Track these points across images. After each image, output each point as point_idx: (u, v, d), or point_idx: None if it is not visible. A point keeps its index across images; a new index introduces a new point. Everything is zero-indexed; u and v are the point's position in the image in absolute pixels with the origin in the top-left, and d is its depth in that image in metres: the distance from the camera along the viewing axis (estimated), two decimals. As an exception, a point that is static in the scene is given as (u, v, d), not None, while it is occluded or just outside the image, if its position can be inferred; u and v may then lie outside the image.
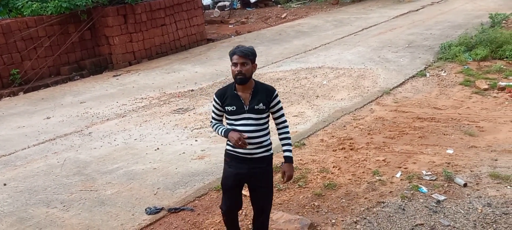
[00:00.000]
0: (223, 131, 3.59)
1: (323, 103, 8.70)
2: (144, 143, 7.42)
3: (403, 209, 4.75)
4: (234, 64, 3.43)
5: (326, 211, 4.85)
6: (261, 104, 3.49)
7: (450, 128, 7.06)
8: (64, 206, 5.45)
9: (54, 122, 9.05)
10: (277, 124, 3.69)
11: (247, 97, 3.51)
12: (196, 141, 7.33)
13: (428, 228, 4.37)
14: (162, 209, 5.08)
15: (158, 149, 7.11)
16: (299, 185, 5.48)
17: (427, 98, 8.58)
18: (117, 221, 4.95)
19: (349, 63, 11.59)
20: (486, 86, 8.82)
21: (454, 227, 4.35)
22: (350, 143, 6.71)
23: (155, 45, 15.06)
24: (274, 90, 3.59)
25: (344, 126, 7.47)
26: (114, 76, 12.85)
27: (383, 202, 4.94)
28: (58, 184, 6.09)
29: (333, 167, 5.97)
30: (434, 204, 4.81)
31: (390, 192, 5.18)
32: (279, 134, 3.71)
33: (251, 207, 4.01)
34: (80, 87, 11.93)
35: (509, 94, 8.37)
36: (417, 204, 4.84)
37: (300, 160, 6.25)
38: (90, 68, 13.62)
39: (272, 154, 3.76)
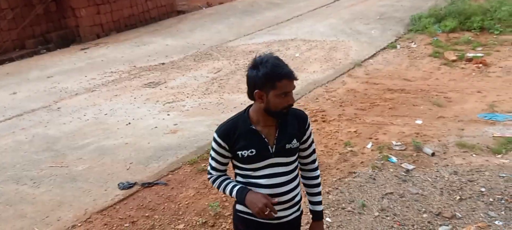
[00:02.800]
0: (236, 190, 2.26)
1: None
2: (115, 118, 7.29)
3: (374, 179, 4.86)
4: (284, 94, 2.10)
5: (299, 182, 4.91)
6: (294, 140, 2.26)
7: (420, 99, 7.21)
8: (35, 183, 5.34)
9: (21, 97, 8.79)
10: (304, 164, 2.46)
11: (271, 133, 2.23)
12: (168, 115, 7.26)
13: (398, 196, 4.49)
14: (135, 183, 5.04)
15: (129, 123, 7.01)
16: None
17: (398, 70, 8.71)
18: (89, 197, 4.89)
19: (321, 35, 11.62)
20: (454, 58, 9.02)
21: (422, 194, 4.48)
22: (322, 115, 6.78)
23: (123, 17, 14.70)
24: (307, 116, 2.37)
25: (317, 98, 7.53)
26: (82, 49, 12.52)
27: (355, 172, 5.04)
28: (27, 161, 5.95)
29: (306, 139, 6.02)
30: (403, 173, 4.94)
31: (361, 162, 5.28)
32: (307, 178, 2.49)
33: None
34: (47, 61, 11.58)
35: (476, 65, 8.59)
36: (387, 174, 4.96)
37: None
38: (56, 42, 13.20)
39: (302, 211, 2.56)
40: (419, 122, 6.37)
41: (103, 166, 5.63)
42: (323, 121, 6.58)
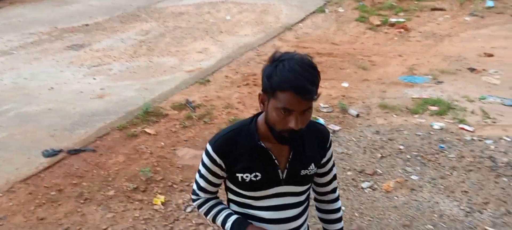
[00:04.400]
0: (232, 222, 1.75)
1: (227, 39, 8.68)
2: (36, 82, 6.86)
3: (303, 140, 5.03)
4: (285, 111, 1.49)
5: (231, 145, 4.96)
6: (312, 165, 1.73)
7: (346, 62, 7.49)
8: None
9: None
10: (322, 194, 1.92)
11: (284, 154, 1.69)
12: (94, 79, 6.96)
13: (325, 157, 4.70)
14: (61, 151, 4.83)
15: (52, 88, 6.63)
16: (204, 121, 5.52)
17: (326, 34, 8.95)
18: (11, 166, 4.62)
19: (252, -2, 11.58)
20: (379, 23, 9.43)
21: (347, 154, 4.73)
22: (254, 79, 6.84)
23: (42, -26, 13.64)
24: (329, 132, 1.85)
25: (248, 62, 7.57)
26: (-4, 8, 11.52)
27: (285, 134, 5.17)
28: None
29: (238, 102, 6.08)
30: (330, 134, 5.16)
31: (291, 124, 5.43)
32: (325, 211, 1.95)
33: None
34: (-45, 20, 10.55)
35: (398, 30, 9.04)
36: (315, 135, 5.15)
37: (205, 96, 6.26)
38: (-35, -1, 12.03)
39: None
40: (345, 84, 6.63)
41: (25, 133, 5.32)
42: (255, 85, 6.64)
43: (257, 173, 1.65)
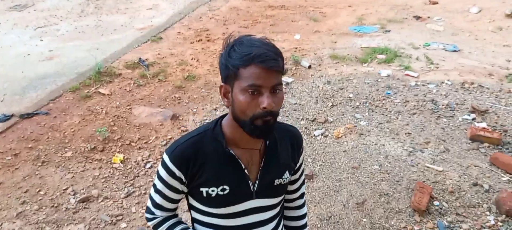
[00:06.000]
0: None
1: (178, -5, 8.53)
2: (-22, 46, 6.57)
3: (257, 93, 5.15)
4: (253, 89, 1.28)
5: (187, 101, 5.04)
6: (286, 173, 1.53)
7: (298, 14, 7.58)
8: None
9: None
10: (290, 201, 1.72)
11: (255, 161, 1.47)
12: (41, 40, 6.73)
13: (279, 108, 4.85)
14: (12, 115, 4.73)
15: (-3, 52, 6.39)
16: (159, 79, 5.52)
17: (277, -13, 8.96)
18: (-41, 134, 4.51)
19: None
20: (329, -26, 9.50)
21: (300, 104, 4.91)
22: (207, 34, 6.84)
23: None
24: (301, 135, 1.63)
25: (200, 17, 7.52)
26: None
27: (240, 88, 5.28)
28: None
29: (192, 59, 6.09)
30: (283, 86, 5.31)
31: (246, 78, 5.53)
32: (291, 218, 1.74)
33: None
34: None
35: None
36: (269, 87, 5.29)
37: (158, 54, 6.22)
38: None
39: None
40: (297, 37, 6.76)
41: (-29, 100, 5.15)
42: (208, 40, 6.65)
43: (225, 186, 1.41)
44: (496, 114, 4.53)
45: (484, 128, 4.22)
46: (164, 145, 4.19)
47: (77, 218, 3.30)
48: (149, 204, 1.53)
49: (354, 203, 3.37)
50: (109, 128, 4.45)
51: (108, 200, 3.50)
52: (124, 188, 3.63)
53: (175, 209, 1.56)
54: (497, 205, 3.27)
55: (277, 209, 1.56)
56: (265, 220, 1.51)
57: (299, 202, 1.71)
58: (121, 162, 3.96)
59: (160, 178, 1.45)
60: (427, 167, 3.76)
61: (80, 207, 3.41)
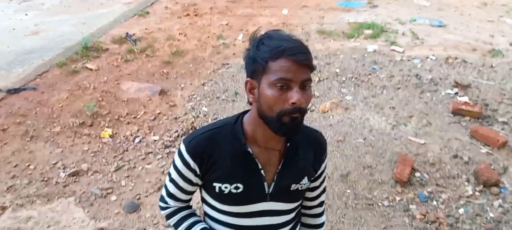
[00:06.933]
0: None
1: (165, -32, 8.43)
2: (-38, 21, 6.48)
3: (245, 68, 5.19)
4: (282, 83, 1.23)
5: (175, 77, 5.06)
6: (305, 179, 1.45)
7: (285, -11, 7.56)
8: None
9: None
10: (308, 208, 1.63)
11: (273, 163, 1.41)
12: (26, 15, 6.65)
13: (266, 83, 4.90)
14: (-1, 91, 4.72)
15: (-19, 26, 6.31)
16: (146, 54, 5.52)
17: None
18: None
19: None
20: None
21: (288, 79, 4.95)
22: (194, 9, 6.81)
23: None
24: (326, 141, 1.55)
25: (188, -8, 7.47)
26: None
27: (227, 64, 5.32)
28: None
29: (179, 33, 6.08)
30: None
31: (233, 53, 5.56)
32: (308, 226, 1.66)
33: None
34: None
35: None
36: (257, 62, 5.32)
37: (146, 29, 6.20)
38: None
39: None
40: (285, 12, 6.77)
41: (-44, 75, 5.12)
42: (195, 15, 6.63)
43: (239, 184, 1.37)
44: (478, 88, 4.64)
45: (466, 102, 4.33)
46: (153, 120, 4.23)
47: (68, 192, 3.35)
48: (163, 192, 1.51)
49: (338, 175, 3.47)
50: (97, 103, 4.47)
51: (98, 173, 3.55)
52: (114, 162, 3.68)
53: (189, 200, 1.54)
54: (475, 176, 3.40)
55: (292, 215, 1.50)
56: (279, 224, 1.46)
57: (317, 210, 1.63)
58: (110, 136, 4.01)
59: (175, 168, 1.43)
60: (410, 140, 3.87)
61: (70, 181, 3.46)
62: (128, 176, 3.53)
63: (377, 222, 3.06)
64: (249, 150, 1.36)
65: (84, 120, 4.21)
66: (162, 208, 1.53)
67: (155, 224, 3.06)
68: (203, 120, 4.19)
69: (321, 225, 1.66)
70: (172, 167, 1.44)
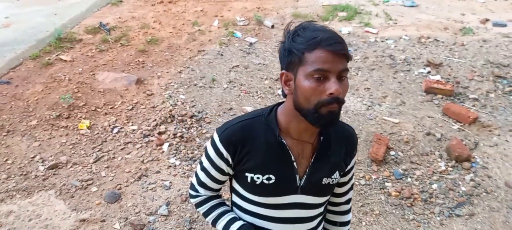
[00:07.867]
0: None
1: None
2: None
3: (221, 54, 5.21)
4: (319, 74, 1.21)
5: (151, 65, 5.04)
6: (336, 173, 1.45)
7: (260, -27, 7.56)
8: None
9: None
10: (334, 204, 1.63)
11: (306, 155, 1.41)
12: (-4, 7, 6.50)
13: (243, 68, 4.94)
14: (-29, 86, 4.63)
15: (-52, 20, 6.14)
16: (121, 43, 5.47)
17: None
18: None
19: None
20: None
21: (264, 64, 5.00)
22: (169, -4, 6.76)
23: None
24: (357, 136, 1.55)
25: (161, -22, 7.39)
26: None
27: (204, 50, 5.32)
28: None
29: (154, 21, 6.04)
30: (247, 46, 5.38)
31: (209, 40, 5.56)
32: (333, 223, 1.65)
33: None
34: None
35: None
36: (233, 48, 5.35)
37: (119, 18, 6.13)
38: None
39: None
40: (260, -4, 6.77)
41: None
42: (169, 2, 6.59)
43: (271, 176, 1.36)
44: (450, 67, 4.76)
45: (438, 81, 4.45)
46: (130, 110, 4.23)
47: (48, 185, 3.34)
48: (194, 181, 1.52)
49: (316, 156, 3.55)
50: (73, 94, 4.43)
51: (77, 165, 3.55)
52: (93, 153, 3.68)
53: (219, 189, 1.54)
54: (447, 152, 3.53)
55: (321, 209, 1.49)
56: (307, 217, 1.45)
57: (344, 208, 1.63)
58: (87, 128, 3.99)
59: (208, 156, 1.42)
60: (385, 119, 3.97)
61: (50, 174, 3.45)
62: (108, 167, 3.54)
63: (354, 200, 3.15)
64: (283, 141, 1.35)
65: (61, 112, 4.18)
66: (192, 196, 1.55)
67: (136, 212, 3.09)
68: (181, 107, 4.20)
69: (347, 223, 1.65)
70: (204, 156, 1.45)
